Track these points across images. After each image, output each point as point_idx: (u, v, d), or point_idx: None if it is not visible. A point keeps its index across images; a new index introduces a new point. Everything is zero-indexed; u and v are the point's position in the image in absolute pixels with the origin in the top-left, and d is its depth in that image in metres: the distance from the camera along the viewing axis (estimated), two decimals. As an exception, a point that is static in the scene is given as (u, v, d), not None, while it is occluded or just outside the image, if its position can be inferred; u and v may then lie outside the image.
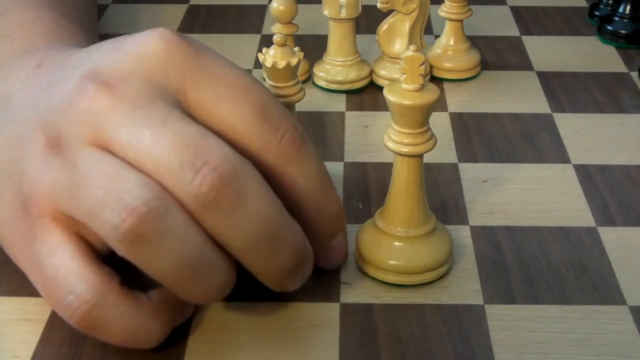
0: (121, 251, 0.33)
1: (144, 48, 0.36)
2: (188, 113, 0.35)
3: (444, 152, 0.50)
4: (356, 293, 0.40)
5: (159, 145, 0.33)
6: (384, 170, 0.48)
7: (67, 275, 0.34)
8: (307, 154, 0.36)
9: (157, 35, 0.36)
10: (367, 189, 0.47)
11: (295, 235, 0.36)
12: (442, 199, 0.46)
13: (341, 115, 0.55)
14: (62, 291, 0.34)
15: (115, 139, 0.34)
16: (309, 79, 0.59)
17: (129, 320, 0.34)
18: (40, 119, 0.36)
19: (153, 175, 0.33)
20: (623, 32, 0.64)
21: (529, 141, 0.52)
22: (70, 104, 0.35)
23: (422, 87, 0.38)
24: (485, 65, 0.61)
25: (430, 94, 0.38)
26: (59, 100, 0.35)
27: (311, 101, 0.55)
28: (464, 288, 0.40)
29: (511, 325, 0.38)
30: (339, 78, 0.57)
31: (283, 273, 0.36)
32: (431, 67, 0.59)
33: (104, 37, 0.38)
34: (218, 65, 0.36)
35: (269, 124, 0.35)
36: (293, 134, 0.36)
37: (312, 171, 0.37)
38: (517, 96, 0.57)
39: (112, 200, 0.32)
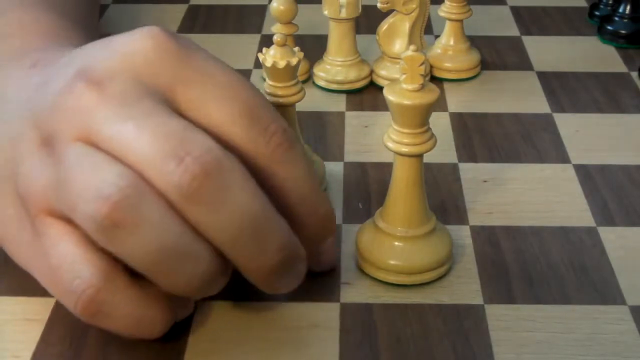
0: (100, 240, 0.33)
1: (134, 47, 0.36)
2: (177, 112, 0.35)
3: (444, 152, 0.50)
4: (356, 293, 0.40)
5: (143, 137, 0.33)
6: (384, 170, 0.48)
7: (73, 262, 0.34)
8: (296, 157, 0.36)
9: (148, 34, 0.36)
10: (367, 189, 0.47)
11: (281, 231, 0.35)
12: (442, 199, 0.46)
13: (341, 115, 0.55)
14: (68, 276, 0.34)
15: (101, 134, 0.34)
16: (309, 79, 0.59)
17: (134, 306, 0.34)
18: (33, 118, 0.36)
19: (136, 167, 0.33)
20: (623, 32, 0.64)
21: (529, 141, 0.52)
22: (60, 102, 0.35)
23: (422, 87, 0.38)
24: (485, 65, 0.61)
25: (430, 94, 0.38)
26: (50, 99, 0.36)
27: (311, 101, 0.55)
28: (464, 288, 0.40)
29: (511, 325, 0.38)
30: (339, 78, 0.57)
31: (270, 270, 0.35)
32: (431, 67, 0.59)
33: (104, 37, 0.38)
34: (208, 64, 0.36)
35: (258, 125, 0.35)
36: (282, 136, 0.36)
37: (300, 174, 0.36)
38: (517, 96, 0.57)
39: (90, 191, 0.32)
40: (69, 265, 0.34)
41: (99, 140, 0.34)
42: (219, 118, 0.35)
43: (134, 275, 0.34)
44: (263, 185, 0.35)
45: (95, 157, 0.33)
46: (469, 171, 0.49)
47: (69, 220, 0.35)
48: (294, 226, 0.36)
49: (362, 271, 0.41)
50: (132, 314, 0.34)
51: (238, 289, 0.40)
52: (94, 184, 0.32)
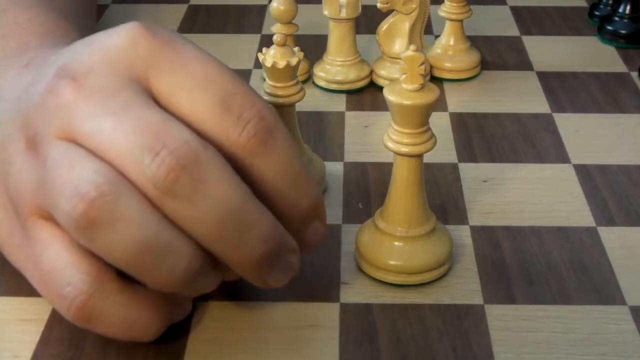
0: (79, 239, 0.33)
1: (111, 41, 0.36)
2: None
3: (444, 152, 0.50)
4: (356, 293, 0.40)
5: (120, 131, 0.33)
6: (384, 170, 0.48)
7: (64, 267, 0.34)
8: (275, 146, 0.35)
9: (125, 29, 0.36)
10: (367, 189, 0.47)
11: (265, 223, 0.34)
12: (442, 199, 0.46)
13: (341, 115, 0.55)
14: (59, 283, 0.34)
15: (81, 130, 0.34)
16: (309, 79, 0.59)
17: (126, 310, 0.34)
18: (20, 119, 0.36)
19: (115, 162, 0.33)
20: (623, 32, 0.64)
21: (529, 141, 0.52)
22: (42, 102, 0.35)
23: (422, 87, 0.38)
24: (485, 65, 0.61)
25: (430, 94, 0.38)
26: (34, 98, 0.36)
27: (311, 101, 0.55)
28: (464, 288, 0.40)
29: (511, 325, 0.38)
30: (339, 78, 0.57)
31: (255, 263, 0.34)
32: (431, 67, 0.59)
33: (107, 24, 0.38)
34: (184, 55, 0.35)
35: (230, 115, 0.34)
36: (257, 125, 0.34)
37: (280, 164, 0.35)
38: (517, 96, 0.57)
39: (68, 189, 0.32)
40: (59, 272, 0.34)
41: (79, 136, 0.34)
42: (191, 109, 0.34)
43: (125, 278, 0.34)
44: (242, 177, 0.34)
45: (75, 154, 0.33)
46: (469, 171, 0.49)
47: (58, 222, 0.34)
48: (275, 216, 0.35)
49: (362, 271, 0.41)
50: (124, 318, 0.34)
51: (237, 289, 0.40)
52: (72, 181, 0.32)
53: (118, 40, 0.35)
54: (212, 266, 0.35)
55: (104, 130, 0.33)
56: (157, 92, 0.35)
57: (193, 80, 0.35)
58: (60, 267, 0.34)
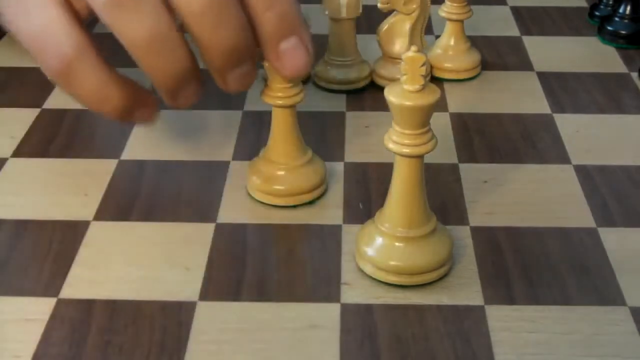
0: (103, 14, 0.37)
1: None
2: None
3: (444, 152, 0.50)
4: (356, 293, 0.40)
5: None
6: (384, 170, 0.48)
7: (55, 31, 0.37)
8: None
9: None
10: (367, 189, 0.47)
11: (241, 19, 0.37)
12: (442, 199, 0.46)
13: (341, 115, 0.55)
14: (51, 42, 0.37)
15: None
16: (309, 79, 0.59)
17: (96, 77, 0.38)
18: None
19: None
20: (623, 32, 0.64)
21: (529, 141, 0.52)
22: None
23: (422, 88, 0.38)
24: (485, 65, 0.61)
25: (431, 95, 0.38)
26: None
27: (311, 101, 0.55)
28: (464, 289, 0.40)
29: (511, 326, 0.38)
30: (339, 78, 0.57)
31: (225, 51, 0.38)
32: (431, 67, 0.59)
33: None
34: None
35: None
36: None
37: None
38: (517, 96, 0.57)
39: None
40: (49, 34, 0.37)
41: None
42: None
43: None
44: None
45: None
46: (469, 171, 0.49)
47: None
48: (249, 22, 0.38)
49: (362, 271, 0.41)
50: (93, 83, 0.38)
51: (237, 289, 0.40)
52: None
53: None
54: (194, 74, 0.38)
55: None
56: None
57: None
58: (49, 30, 0.37)
